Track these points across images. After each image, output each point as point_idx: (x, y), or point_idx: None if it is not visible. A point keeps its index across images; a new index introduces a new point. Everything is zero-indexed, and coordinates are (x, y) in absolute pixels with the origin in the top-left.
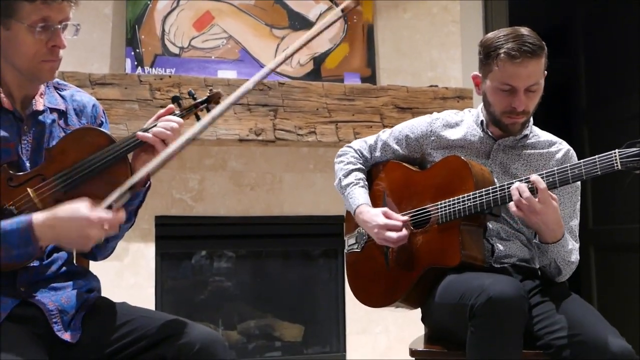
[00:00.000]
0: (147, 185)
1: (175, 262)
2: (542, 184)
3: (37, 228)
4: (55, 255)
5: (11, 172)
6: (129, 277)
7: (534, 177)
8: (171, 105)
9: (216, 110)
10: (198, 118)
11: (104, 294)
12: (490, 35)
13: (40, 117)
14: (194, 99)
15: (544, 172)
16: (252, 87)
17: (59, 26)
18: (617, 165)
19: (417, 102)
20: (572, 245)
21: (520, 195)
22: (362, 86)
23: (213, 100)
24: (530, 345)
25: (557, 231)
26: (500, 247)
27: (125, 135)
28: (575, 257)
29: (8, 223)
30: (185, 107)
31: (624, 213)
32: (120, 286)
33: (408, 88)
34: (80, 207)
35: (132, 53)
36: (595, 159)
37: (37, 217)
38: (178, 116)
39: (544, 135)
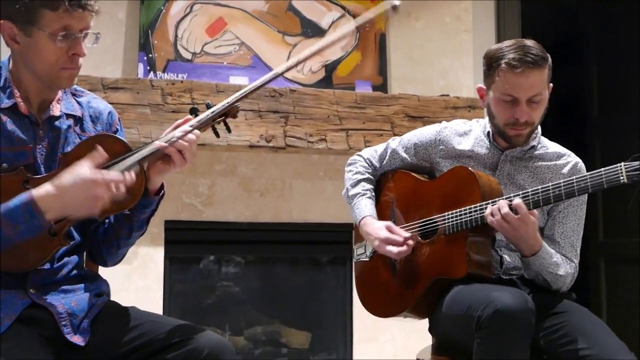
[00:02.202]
0: (161, 194)
1: (184, 267)
2: (524, 209)
3: (40, 200)
4: (66, 259)
5: (28, 174)
6: (138, 280)
7: (517, 201)
8: (189, 117)
9: (230, 97)
10: (215, 130)
11: (112, 296)
12: (494, 46)
13: (56, 123)
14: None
15: (549, 184)
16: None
17: (80, 35)
18: (622, 179)
19: (428, 111)
20: (559, 259)
21: (500, 212)
22: (373, 94)
23: (230, 113)
24: (538, 359)
25: (535, 245)
26: (509, 258)
27: (136, 139)
28: (564, 271)
29: (11, 201)
30: (202, 119)
31: (635, 226)
32: (129, 289)
33: (419, 97)
34: (81, 171)
35: (145, 58)
36: (601, 171)
37: (39, 189)
38: (195, 127)
39: (553, 147)
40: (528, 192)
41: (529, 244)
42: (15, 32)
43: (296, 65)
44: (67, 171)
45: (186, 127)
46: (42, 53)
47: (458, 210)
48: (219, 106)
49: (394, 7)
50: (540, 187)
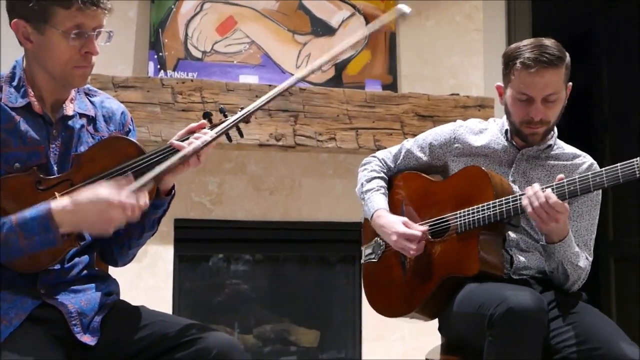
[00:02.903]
0: (172, 194)
1: (193, 265)
2: (554, 198)
3: (57, 214)
4: (76, 259)
5: (40, 175)
6: (147, 279)
7: (547, 192)
8: (203, 121)
9: (250, 106)
10: (228, 136)
11: (122, 294)
12: (512, 45)
13: (70, 122)
14: (225, 115)
15: (564, 180)
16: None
17: (93, 33)
18: (638, 173)
19: (438, 110)
20: (579, 250)
21: (541, 206)
22: (383, 93)
23: (243, 118)
24: (549, 358)
25: (564, 230)
26: (521, 258)
27: (146, 138)
28: (583, 263)
29: (28, 211)
30: (215, 123)
31: None
32: (139, 287)
33: (429, 96)
34: (100, 191)
35: (155, 56)
36: (617, 166)
37: (57, 203)
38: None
39: (569, 148)
40: (542, 187)
41: (559, 231)
42: (28, 30)
43: (310, 73)
44: (87, 188)
45: (207, 138)
46: (55, 51)
47: (471, 208)
48: (245, 111)
49: (404, 14)
50: (555, 182)
